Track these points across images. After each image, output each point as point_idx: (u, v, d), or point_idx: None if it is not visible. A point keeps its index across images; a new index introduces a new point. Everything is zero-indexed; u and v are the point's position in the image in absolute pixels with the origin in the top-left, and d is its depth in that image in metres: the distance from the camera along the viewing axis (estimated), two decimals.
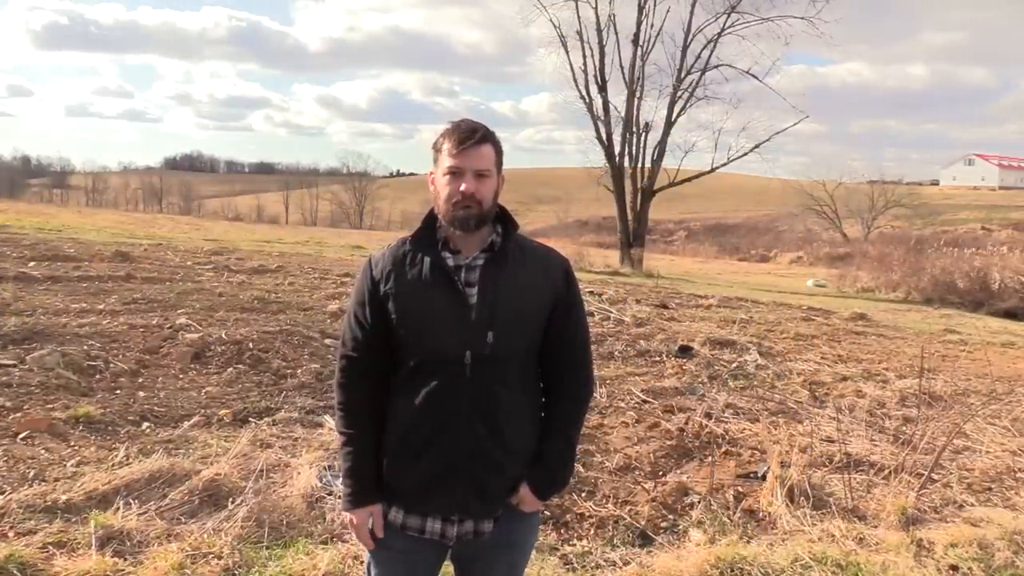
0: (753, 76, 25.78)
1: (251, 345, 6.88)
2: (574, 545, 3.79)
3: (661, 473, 4.86)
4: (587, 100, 26.55)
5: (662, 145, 26.45)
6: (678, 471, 4.90)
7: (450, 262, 1.89)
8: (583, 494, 4.38)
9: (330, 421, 5.13)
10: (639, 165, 26.89)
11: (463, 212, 1.84)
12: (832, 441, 5.45)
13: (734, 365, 8.01)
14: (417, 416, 1.88)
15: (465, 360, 1.83)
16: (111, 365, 6.07)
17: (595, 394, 2.12)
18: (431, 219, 1.94)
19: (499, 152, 1.94)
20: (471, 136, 1.85)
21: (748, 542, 3.83)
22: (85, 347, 6.35)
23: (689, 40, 26.07)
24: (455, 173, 1.85)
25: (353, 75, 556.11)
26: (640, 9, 25.91)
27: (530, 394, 1.98)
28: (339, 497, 3.94)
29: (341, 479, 1.99)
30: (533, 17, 26.17)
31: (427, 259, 1.89)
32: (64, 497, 3.68)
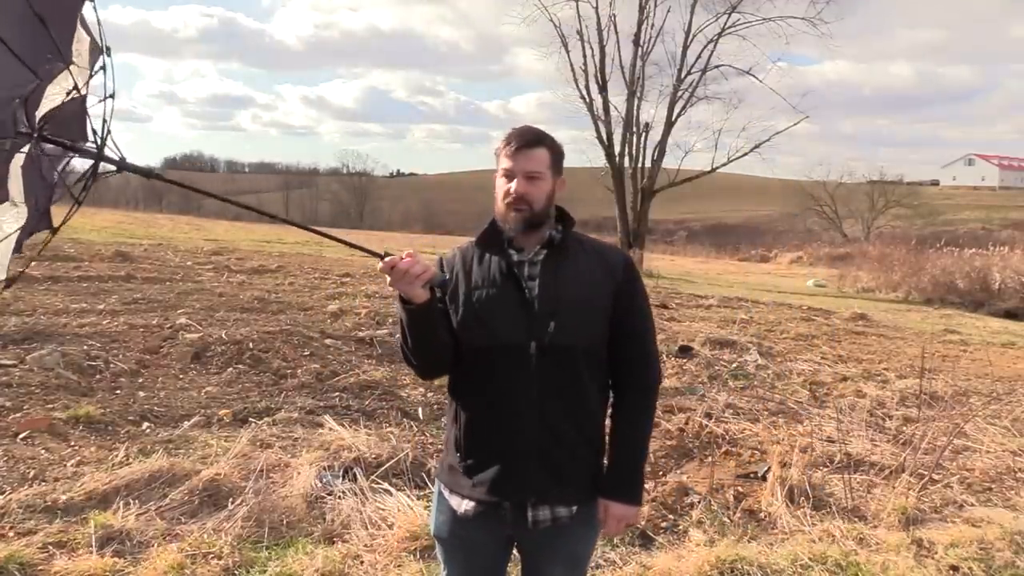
0: (753, 76, 25.80)
1: (251, 345, 6.87)
2: None
3: (661, 473, 4.85)
4: (587, 100, 26.54)
5: (662, 145, 26.44)
6: (678, 471, 4.90)
7: (513, 258, 1.98)
8: None
9: (330, 421, 5.13)
10: (639, 165, 26.88)
11: (514, 213, 1.94)
12: (832, 441, 5.45)
13: (734, 365, 8.01)
14: (487, 406, 1.95)
15: (531, 350, 1.91)
16: (111, 365, 6.07)
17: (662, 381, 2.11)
18: (495, 219, 2.02)
19: (556, 155, 2.00)
20: (522, 140, 1.95)
21: (748, 542, 3.83)
22: (85, 347, 6.35)
23: (689, 40, 26.07)
24: (508, 175, 1.95)
25: (334, 74, 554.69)
26: (641, 9, 25.90)
27: (598, 383, 2.02)
28: (340, 496, 3.95)
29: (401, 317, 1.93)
30: (535, 16, 26.16)
31: (493, 256, 1.99)
32: (64, 497, 3.68)
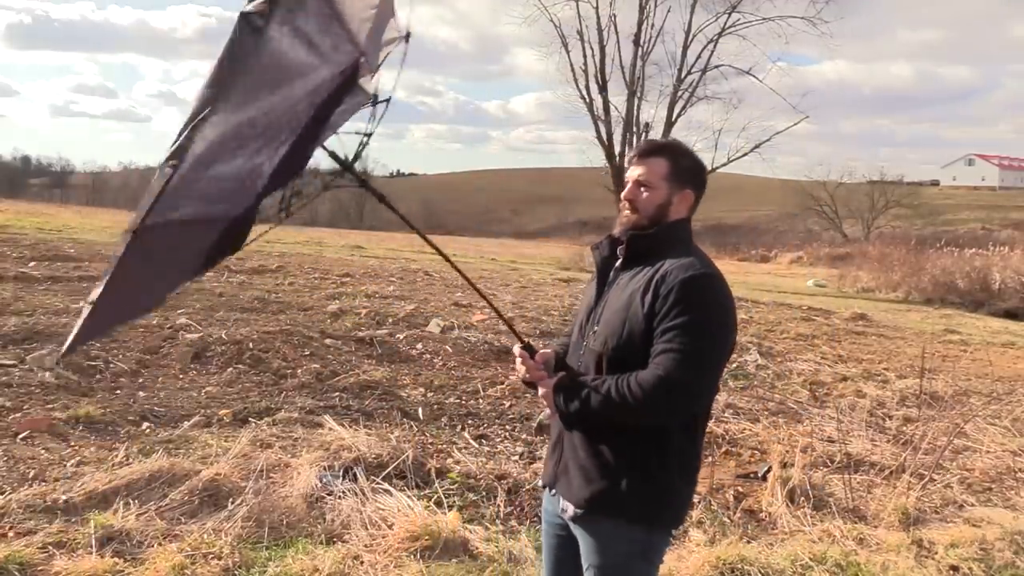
0: (753, 76, 25.81)
1: (251, 345, 6.87)
2: None
3: None
4: (587, 100, 26.57)
5: None
6: None
7: (613, 263, 2.10)
8: None
9: (330, 421, 5.13)
10: None
11: (623, 216, 2.05)
12: (832, 441, 5.46)
13: (734, 365, 8.01)
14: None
15: (581, 349, 2.05)
16: (111, 365, 6.07)
17: (678, 417, 1.90)
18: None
19: (677, 167, 2.03)
20: (640, 148, 2.07)
21: (748, 542, 3.83)
22: (85, 347, 6.34)
23: (689, 40, 26.10)
24: (628, 183, 2.05)
25: None
26: (641, 9, 25.93)
27: None
28: (340, 496, 3.95)
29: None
30: (535, 16, 26.17)
31: (607, 254, 2.12)
32: (64, 497, 3.67)
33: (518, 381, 2.15)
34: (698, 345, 1.81)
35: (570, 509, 2.02)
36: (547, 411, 2.07)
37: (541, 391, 2.03)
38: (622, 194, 2.05)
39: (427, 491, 4.20)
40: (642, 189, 2.00)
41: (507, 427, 5.61)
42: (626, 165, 2.08)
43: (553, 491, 2.10)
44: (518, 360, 2.06)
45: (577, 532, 2.06)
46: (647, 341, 1.86)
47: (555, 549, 2.19)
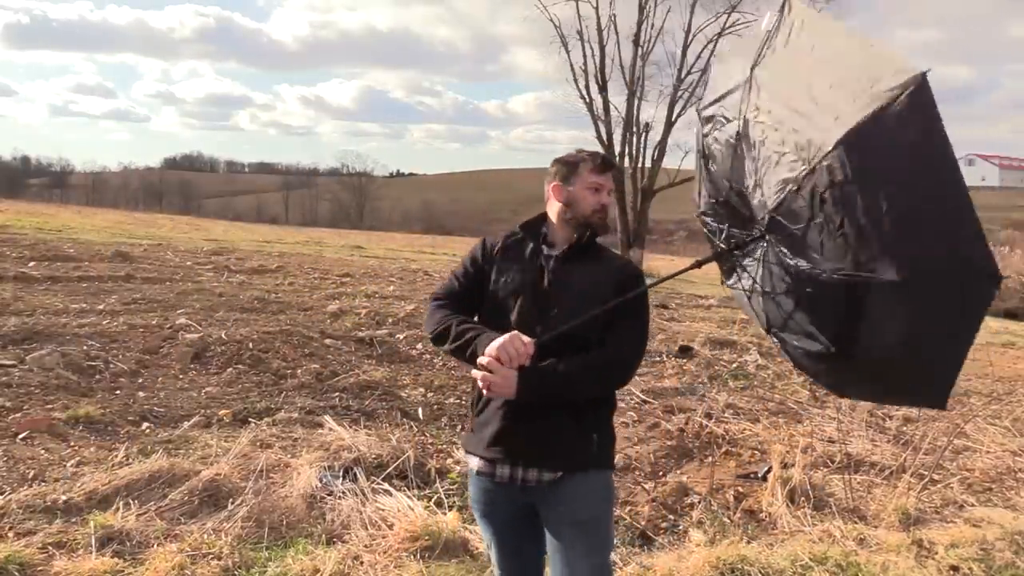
0: None
1: (251, 345, 6.87)
2: None
3: (661, 473, 4.85)
4: (587, 100, 26.57)
5: (662, 145, 26.46)
6: (678, 471, 4.89)
7: (544, 251, 2.31)
8: None
9: (330, 421, 5.13)
10: (639, 165, 26.89)
11: (598, 219, 2.30)
12: (833, 441, 5.45)
13: (734, 365, 8.01)
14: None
15: (536, 331, 2.16)
16: (111, 365, 6.07)
17: (621, 387, 2.43)
18: (541, 218, 2.38)
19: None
20: (608, 161, 2.36)
21: (749, 543, 3.83)
22: (85, 347, 6.35)
23: (689, 40, 26.11)
24: (598, 189, 2.30)
25: (331, 74, 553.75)
26: (641, 9, 25.94)
27: None
28: (340, 496, 3.94)
29: (466, 335, 2.21)
30: (534, 16, 26.18)
31: (530, 245, 2.32)
32: (64, 497, 3.67)
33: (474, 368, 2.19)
34: (645, 328, 2.32)
35: (547, 476, 2.23)
36: (487, 390, 2.13)
37: (498, 382, 2.12)
38: (601, 199, 2.30)
39: (427, 491, 4.20)
40: (609, 196, 2.35)
41: None
42: (592, 173, 2.29)
43: (510, 467, 2.23)
44: (513, 348, 2.08)
45: (549, 496, 2.23)
46: (604, 324, 2.20)
47: (507, 534, 2.36)
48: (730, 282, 2.62)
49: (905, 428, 6.04)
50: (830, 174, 1.98)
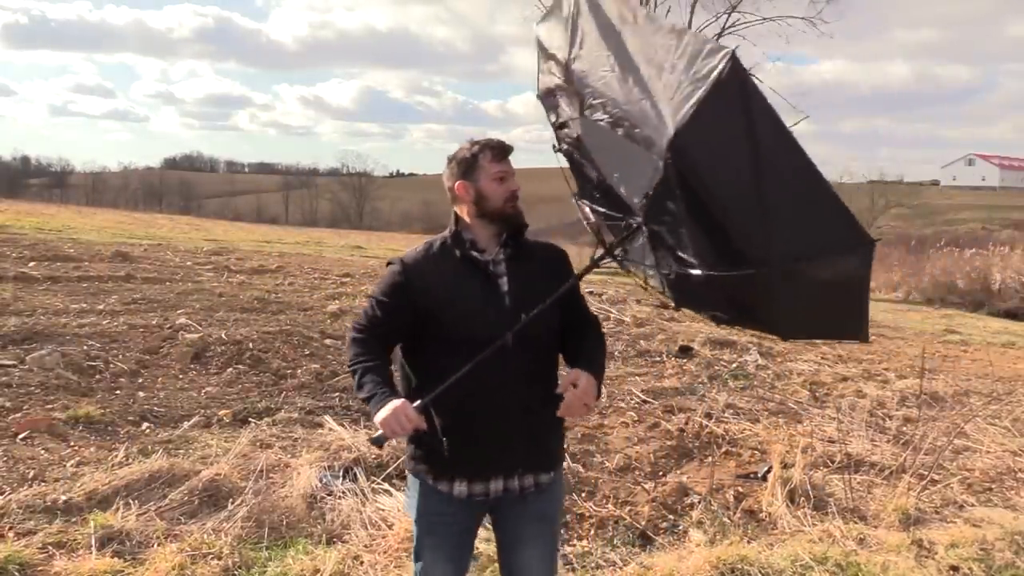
0: (753, 76, 25.77)
1: (251, 345, 6.87)
2: (574, 545, 3.79)
3: (661, 473, 4.85)
4: None
5: None
6: (678, 471, 4.89)
7: (480, 256, 2.23)
8: (583, 494, 4.37)
9: (330, 421, 5.13)
10: None
11: (511, 209, 2.22)
12: (832, 441, 5.45)
13: (734, 365, 8.01)
14: (468, 394, 2.12)
15: (507, 340, 2.11)
16: (111, 365, 6.07)
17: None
18: (457, 224, 2.26)
19: None
20: (508, 149, 2.25)
21: (749, 543, 3.83)
22: (85, 347, 6.34)
23: None
24: (503, 178, 2.22)
25: (331, 74, 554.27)
26: None
27: (554, 368, 2.30)
28: (340, 496, 3.94)
29: (364, 389, 2.15)
30: (534, 16, 26.19)
31: (460, 256, 2.21)
32: (64, 497, 3.67)
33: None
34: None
35: (544, 478, 2.28)
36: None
37: (585, 399, 2.16)
38: (507, 187, 2.21)
39: None
40: (515, 182, 2.26)
41: None
42: (492, 162, 2.20)
43: (504, 479, 2.22)
44: (397, 423, 2.05)
45: (527, 500, 2.25)
46: (564, 307, 2.26)
47: (461, 546, 2.31)
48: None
49: (905, 428, 6.04)
50: (675, 175, 1.99)
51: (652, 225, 2.19)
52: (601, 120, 2.23)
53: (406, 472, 2.38)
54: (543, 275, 2.26)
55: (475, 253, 2.23)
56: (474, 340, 2.11)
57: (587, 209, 2.52)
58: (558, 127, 2.53)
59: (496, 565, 2.45)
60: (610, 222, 2.42)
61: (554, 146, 2.60)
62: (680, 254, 2.17)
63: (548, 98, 2.56)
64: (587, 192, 2.53)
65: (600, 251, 2.43)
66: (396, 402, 2.05)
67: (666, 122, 1.95)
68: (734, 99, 1.90)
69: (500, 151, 2.24)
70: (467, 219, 2.25)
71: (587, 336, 2.34)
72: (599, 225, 2.50)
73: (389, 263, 2.28)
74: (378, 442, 2.10)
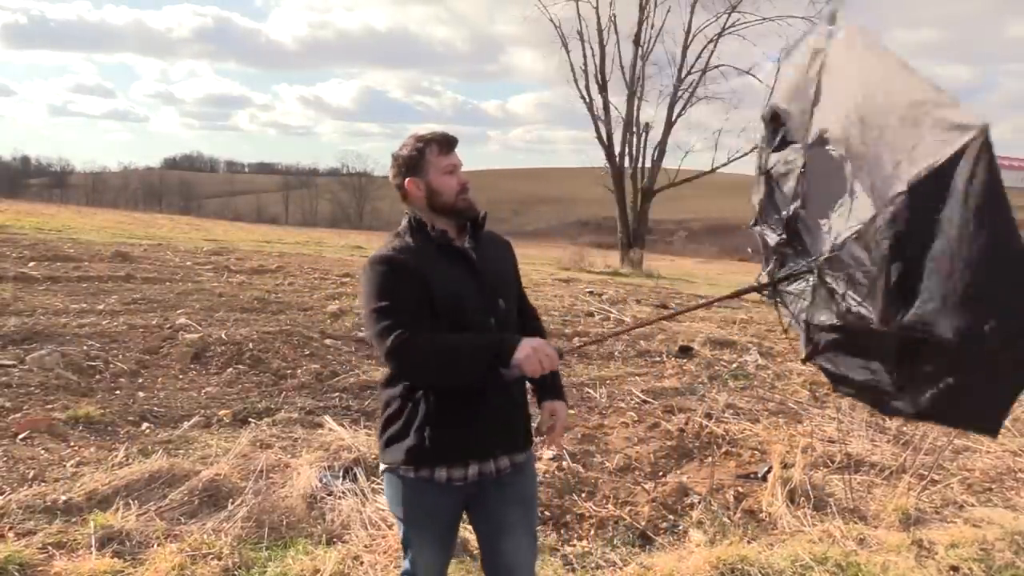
0: (754, 76, 25.82)
1: (251, 345, 6.87)
2: (574, 546, 3.78)
3: (661, 473, 4.85)
4: (587, 100, 26.58)
5: (662, 145, 26.47)
6: (678, 471, 4.89)
7: (459, 245, 2.22)
8: (583, 494, 4.37)
9: (330, 421, 5.13)
10: (639, 165, 26.91)
11: (463, 202, 2.21)
12: (833, 441, 5.46)
13: (734, 365, 8.01)
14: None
15: (491, 325, 2.17)
16: (111, 365, 6.07)
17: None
18: (420, 220, 2.21)
19: None
20: (453, 140, 2.23)
21: (749, 543, 3.83)
22: (85, 347, 6.35)
23: (689, 40, 26.11)
24: (452, 170, 2.20)
25: (330, 73, 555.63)
26: (641, 9, 25.95)
27: None
28: (340, 496, 3.94)
29: (477, 348, 2.06)
30: (534, 16, 26.21)
31: (437, 246, 2.18)
32: (64, 497, 3.67)
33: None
34: None
35: (519, 457, 2.31)
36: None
37: (564, 422, 2.43)
38: (457, 179, 2.20)
39: None
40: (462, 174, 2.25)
41: None
42: (439, 156, 2.19)
43: (480, 463, 2.22)
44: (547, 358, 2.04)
45: (502, 480, 2.26)
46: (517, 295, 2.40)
47: (448, 535, 2.34)
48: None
49: (905, 428, 6.03)
50: (892, 222, 1.91)
51: (830, 271, 2.10)
52: (833, 152, 2.13)
53: (381, 470, 2.35)
54: (503, 259, 2.35)
55: (452, 240, 2.23)
56: (459, 326, 2.11)
57: (766, 236, 2.48)
58: (777, 148, 2.41)
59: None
60: (783, 255, 2.36)
61: (761, 167, 2.51)
62: (856, 300, 2.04)
63: (774, 119, 2.46)
64: (770, 220, 2.47)
65: (764, 278, 2.40)
66: (533, 340, 2.03)
67: (900, 175, 1.90)
68: (975, 172, 1.86)
69: (446, 143, 2.21)
70: (421, 215, 2.22)
71: (532, 318, 2.49)
72: (769, 256, 2.47)
73: (377, 262, 2.14)
74: (511, 375, 2.06)
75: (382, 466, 2.33)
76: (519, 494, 2.32)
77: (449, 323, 2.11)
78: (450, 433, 2.15)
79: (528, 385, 2.36)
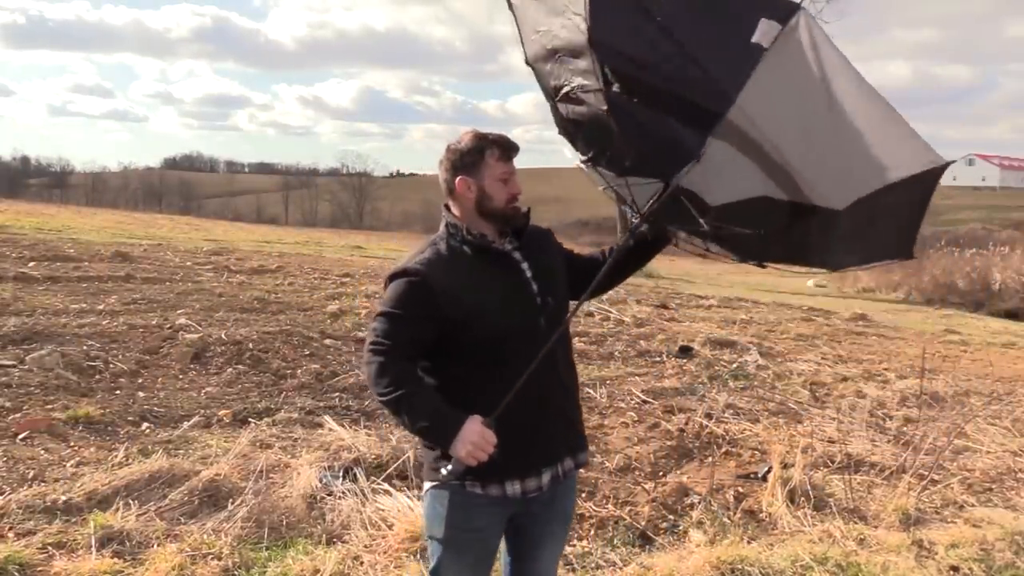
0: None
1: (251, 345, 6.87)
2: (574, 546, 3.78)
3: (661, 473, 4.85)
4: None
5: None
6: (678, 471, 4.89)
7: (500, 248, 2.13)
8: (583, 494, 4.37)
9: (330, 421, 5.13)
10: None
11: (512, 211, 2.11)
12: (833, 442, 5.45)
13: (734, 365, 8.01)
14: (508, 389, 1.97)
15: (540, 325, 2.09)
16: (111, 365, 6.07)
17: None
18: (456, 221, 2.11)
19: None
20: (515, 149, 2.14)
21: (749, 543, 3.83)
22: (85, 347, 6.35)
23: None
24: (507, 180, 2.10)
25: (330, 73, 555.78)
26: None
27: (569, 343, 2.31)
28: (340, 496, 3.94)
29: (420, 419, 1.93)
30: None
31: (475, 251, 2.09)
32: (64, 498, 3.67)
33: None
34: None
35: (581, 457, 2.28)
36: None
37: None
38: (511, 190, 2.10)
39: None
40: (517, 183, 2.15)
41: None
42: (499, 161, 2.08)
43: (550, 470, 2.15)
44: (484, 443, 1.92)
45: (555, 498, 2.20)
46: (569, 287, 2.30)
47: (486, 563, 2.20)
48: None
49: (905, 428, 6.04)
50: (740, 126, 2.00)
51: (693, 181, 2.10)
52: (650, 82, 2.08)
53: (425, 485, 2.17)
54: (549, 254, 2.25)
55: (492, 243, 2.11)
56: (507, 334, 2.03)
57: (607, 174, 2.31)
58: (602, 89, 2.13)
59: (496, 565, 2.33)
60: (640, 185, 2.23)
61: (557, 107, 2.30)
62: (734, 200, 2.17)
63: (544, 61, 2.30)
64: (609, 159, 2.25)
65: (636, 219, 2.25)
66: (470, 425, 1.89)
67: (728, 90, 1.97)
68: (796, 51, 1.93)
69: (508, 149, 2.10)
70: (460, 215, 2.11)
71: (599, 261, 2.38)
72: (622, 191, 2.29)
73: (395, 275, 2.05)
74: (456, 473, 1.92)
75: (427, 484, 2.15)
76: (564, 509, 2.28)
77: (489, 327, 2.02)
78: (518, 441, 2.00)
79: None
